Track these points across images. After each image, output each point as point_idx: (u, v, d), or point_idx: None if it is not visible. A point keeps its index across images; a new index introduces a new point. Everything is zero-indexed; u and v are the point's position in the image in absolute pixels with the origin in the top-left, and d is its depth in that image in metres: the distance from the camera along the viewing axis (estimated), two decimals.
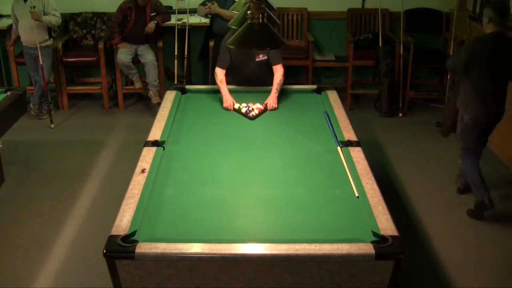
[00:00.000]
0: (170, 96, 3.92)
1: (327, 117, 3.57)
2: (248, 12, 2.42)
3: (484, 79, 3.71)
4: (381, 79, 5.65)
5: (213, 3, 5.45)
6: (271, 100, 3.79)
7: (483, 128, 3.82)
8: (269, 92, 3.86)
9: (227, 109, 3.78)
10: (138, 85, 5.72)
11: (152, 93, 5.62)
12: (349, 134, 3.29)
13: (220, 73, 3.98)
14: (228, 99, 3.80)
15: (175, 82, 5.66)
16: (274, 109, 3.77)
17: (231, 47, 2.47)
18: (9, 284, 3.18)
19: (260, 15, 2.40)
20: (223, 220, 2.49)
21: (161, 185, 2.76)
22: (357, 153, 3.03)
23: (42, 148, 4.99)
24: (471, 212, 3.88)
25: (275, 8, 3.05)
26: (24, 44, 5.37)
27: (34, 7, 5.09)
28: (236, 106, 3.76)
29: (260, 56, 4.01)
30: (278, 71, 3.97)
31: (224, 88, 3.90)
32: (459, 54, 3.83)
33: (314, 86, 4.19)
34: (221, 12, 5.42)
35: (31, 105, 5.54)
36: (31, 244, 3.55)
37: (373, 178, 2.75)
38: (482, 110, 3.75)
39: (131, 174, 2.78)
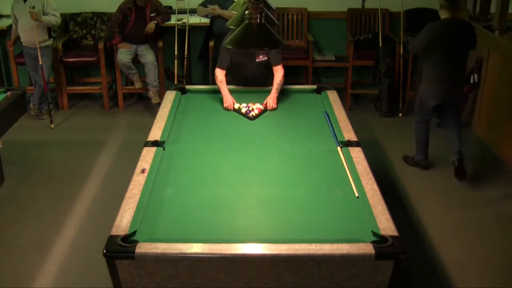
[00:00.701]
0: (170, 96, 3.92)
1: (327, 117, 3.56)
2: (246, 12, 2.42)
3: (442, 60, 4.18)
4: (381, 79, 5.65)
5: (213, 9, 5.45)
6: (271, 100, 3.79)
7: (441, 104, 4.28)
8: (269, 92, 3.86)
9: (227, 109, 3.77)
10: (138, 85, 5.72)
11: (152, 93, 5.62)
12: (349, 134, 3.29)
13: (220, 74, 3.97)
14: (228, 99, 3.80)
15: (175, 82, 5.66)
16: (273, 109, 3.78)
17: (229, 46, 2.47)
18: (9, 284, 3.18)
19: (258, 15, 2.39)
20: (223, 220, 2.48)
21: (161, 185, 2.75)
22: (357, 153, 3.03)
23: (42, 148, 4.99)
24: (406, 158, 4.64)
25: (274, 8, 3.05)
26: (24, 44, 5.37)
27: (33, 7, 5.09)
28: (236, 106, 3.76)
29: (260, 57, 4.00)
30: (278, 72, 3.97)
31: (224, 88, 3.89)
32: (419, 38, 4.27)
33: (314, 86, 4.19)
34: (223, 13, 5.42)
35: (31, 105, 5.54)
36: (31, 244, 3.55)
37: (373, 178, 2.74)
38: (442, 88, 4.23)
39: (131, 174, 2.78)
